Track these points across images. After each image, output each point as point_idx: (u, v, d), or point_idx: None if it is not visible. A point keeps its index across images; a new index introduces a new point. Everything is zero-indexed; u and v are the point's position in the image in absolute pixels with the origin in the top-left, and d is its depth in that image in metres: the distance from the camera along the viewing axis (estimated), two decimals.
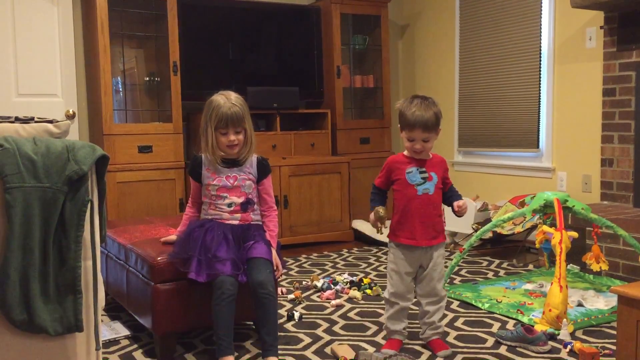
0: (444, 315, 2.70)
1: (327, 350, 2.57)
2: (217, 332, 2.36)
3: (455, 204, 2.50)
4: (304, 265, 4.11)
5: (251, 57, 4.97)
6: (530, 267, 3.94)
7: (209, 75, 4.78)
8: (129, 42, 4.63)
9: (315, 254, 4.42)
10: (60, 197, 1.73)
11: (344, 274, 3.77)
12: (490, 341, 2.64)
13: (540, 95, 4.49)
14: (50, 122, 1.87)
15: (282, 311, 3.05)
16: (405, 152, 2.52)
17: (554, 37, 4.39)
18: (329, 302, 3.21)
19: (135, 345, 2.67)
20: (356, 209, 4.96)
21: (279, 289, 3.34)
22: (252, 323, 2.83)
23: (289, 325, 2.88)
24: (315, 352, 2.55)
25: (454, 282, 3.60)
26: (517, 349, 2.55)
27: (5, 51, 4.24)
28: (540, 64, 4.47)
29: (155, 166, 4.47)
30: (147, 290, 2.51)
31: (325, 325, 2.89)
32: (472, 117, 5.06)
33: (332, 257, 4.32)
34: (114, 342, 2.70)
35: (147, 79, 4.70)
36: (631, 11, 3.77)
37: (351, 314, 3.04)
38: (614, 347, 2.50)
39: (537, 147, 4.53)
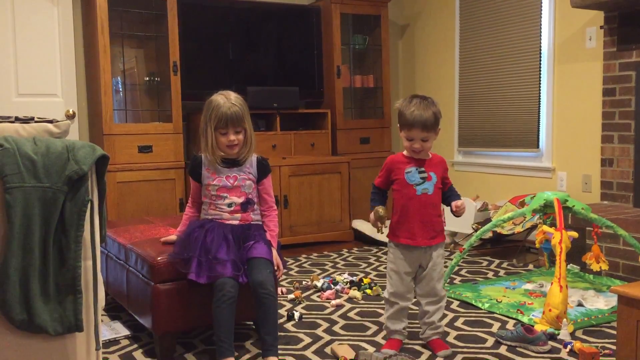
0: (444, 315, 2.70)
1: (327, 350, 2.57)
2: (218, 334, 2.35)
3: (453, 204, 2.50)
4: (304, 265, 4.11)
5: (251, 57, 4.97)
6: (530, 267, 3.94)
7: (209, 75, 4.78)
8: (129, 42, 4.63)
9: (315, 254, 4.42)
10: (60, 197, 1.73)
11: (344, 273, 3.77)
12: (490, 341, 2.64)
13: (540, 95, 4.49)
14: (50, 122, 1.87)
15: (282, 311, 3.05)
16: (405, 152, 2.52)
17: (554, 37, 4.39)
18: (329, 302, 3.21)
19: (135, 345, 2.67)
20: (356, 209, 4.97)
21: (279, 289, 3.34)
22: (252, 323, 2.83)
23: (289, 325, 2.88)
24: (315, 352, 2.55)
25: (454, 282, 3.60)
26: (517, 348, 2.55)
27: (5, 51, 4.24)
28: (540, 63, 4.47)
29: (155, 166, 4.47)
30: (147, 290, 2.51)
31: (325, 325, 2.89)
32: (472, 117, 5.06)
33: (332, 257, 4.32)
34: (114, 342, 2.71)
35: (147, 79, 4.70)
36: (631, 11, 3.77)
37: (351, 314, 3.04)
38: (614, 347, 2.50)
39: (537, 147, 4.53)
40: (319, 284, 3.46)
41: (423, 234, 2.47)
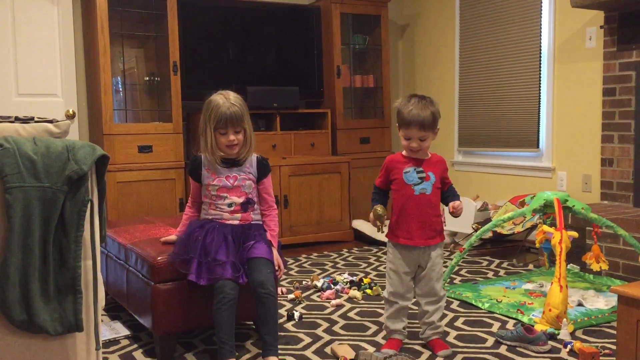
0: (444, 315, 2.70)
1: (327, 350, 2.57)
2: (219, 335, 2.35)
3: (451, 204, 2.49)
4: (304, 265, 4.11)
5: (251, 57, 4.97)
6: (530, 266, 3.94)
7: (209, 75, 4.78)
8: (129, 42, 4.63)
9: (315, 254, 4.42)
10: (60, 197, 1.73)
11: (344, 273, 3.77)
12: (490, 341, 2.64)
13: (540, 95, 4.49)
14: (50, 122, 1.87)
15: (282, 311, 3.05)
16: (404, 152, 2.52)
17: (554, 37, 4.39)
18: (329, 302, 3.21)
19: (135, 345, 2.67)
20: (356, 209, 4.97)
21: (279, 289, 3.34)
22: (252, 323, 2.83)
23: (289, 325, 2.88)
24: (315, 352, 2.55)
25: (454, 282, 3.60)
26: (517, 348, 2.55)
27: (5, 51, 4.24)
28: (540, 63, 4.47)
29: (155, 166, 4.47)
30: (147, 290, 2.51)
31: (325, 325, 2.89)
32: (472, 117, 5.06)
33: (332, 257, 4.32)
34: (114, 342, 2.71)
35: (147, 78, 4.70)
36: (631, 11, 3.77)
37: (351, 314, 3.04)
38: (614, 347, 2.50)
39: (537, 146, 4.53)
40: (319, 283, 3.46)
41: (421, 234, 2.46)
